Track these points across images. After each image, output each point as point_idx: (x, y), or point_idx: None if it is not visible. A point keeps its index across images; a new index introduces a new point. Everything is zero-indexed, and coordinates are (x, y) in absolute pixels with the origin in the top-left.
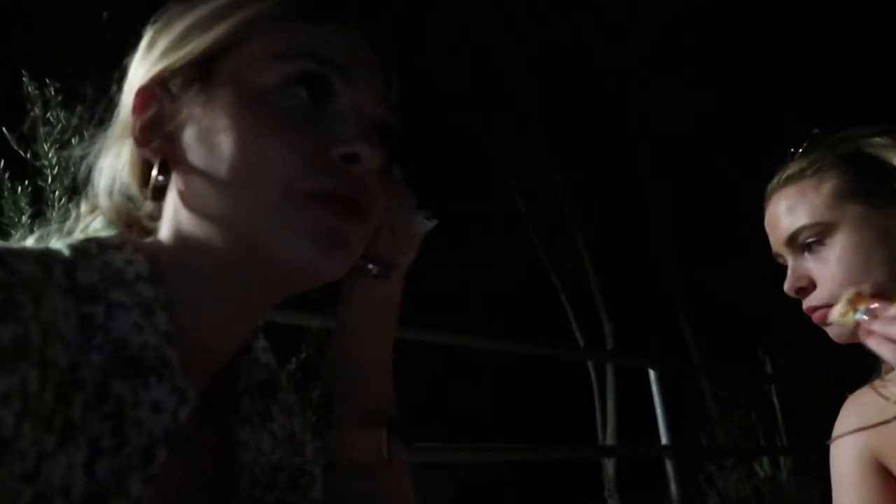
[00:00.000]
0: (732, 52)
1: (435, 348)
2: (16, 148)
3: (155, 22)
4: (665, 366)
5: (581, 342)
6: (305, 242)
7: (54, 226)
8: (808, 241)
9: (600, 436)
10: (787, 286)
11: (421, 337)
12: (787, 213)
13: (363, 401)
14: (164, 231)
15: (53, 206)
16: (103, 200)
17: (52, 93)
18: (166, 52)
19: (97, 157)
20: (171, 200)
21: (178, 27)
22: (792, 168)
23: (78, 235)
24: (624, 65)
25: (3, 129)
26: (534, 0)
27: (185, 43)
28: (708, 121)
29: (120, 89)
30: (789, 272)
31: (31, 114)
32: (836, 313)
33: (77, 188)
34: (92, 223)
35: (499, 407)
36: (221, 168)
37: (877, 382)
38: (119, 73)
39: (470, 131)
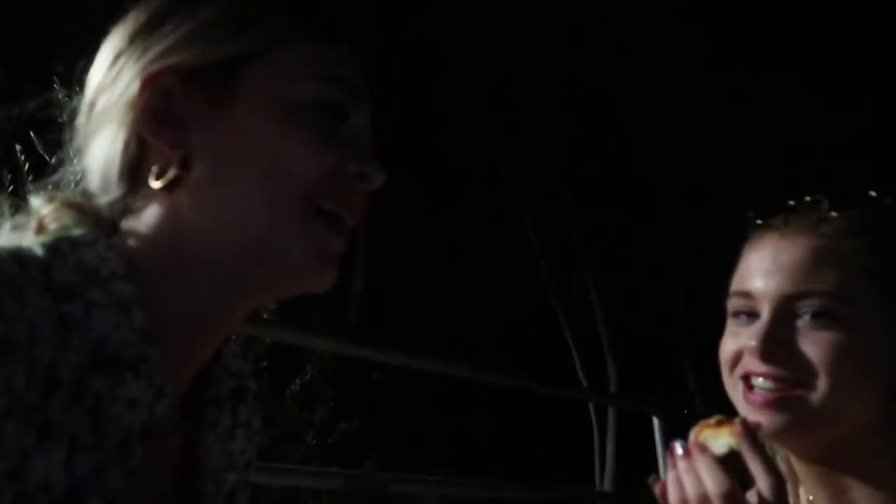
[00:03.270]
0: (760, 97)
1: (439, 379)
2: (42, 153)
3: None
4: (669, 413)
5: (584, 383)
6: (309, 256)
7: (10, 222)
8: (814, 312)
9: (597, 479)
10: (759, 343)
11: (424, 366)
12: (812, 265)
13: None
14: (150, 227)
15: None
16: (98, 188)
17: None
18: (185, 42)
19: (86, 140)
20: (174, 196)
21: (202, 16)
22: (832, 220)
23: (50, 232)
24: (641, 105)
25: (32, 133)
26: (556, 39)
27: (211, 39)
28: (728, 168)
29: (102, 61)
30: (767, 328)
31: (60, 120)
32: (723, 441)
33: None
34: (60, 219)
35: (497, 441)
36: (246, 171)
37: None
38: (99, 40)
39: (488, 166)
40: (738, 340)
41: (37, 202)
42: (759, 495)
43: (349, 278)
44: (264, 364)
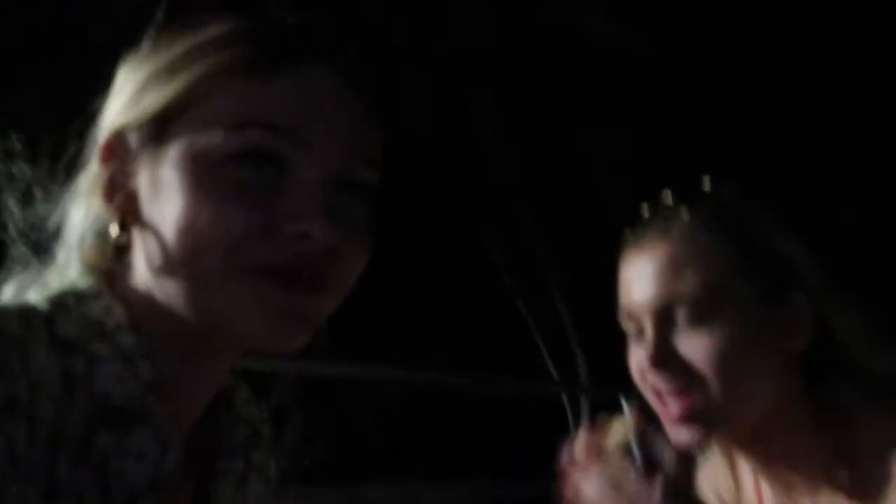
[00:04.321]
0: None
1: (407, 388)
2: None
3: (126, 63)
4: (639, 396)
5: (555, 376)
6: (254, 318)
7: (30, 278)
8: (687, 315)
9: None
10: (650, 360)
11: (396, 376)
12: (671, 270)
13: None
14: (135, 281)
15: (18, 262)
16: (75, 253)
17: (17, 146)
18: (126, 106)
19: (66, 211)
20: (137, 255)
21: (139, 76)
22: (682, 221)
23: (54, 288)
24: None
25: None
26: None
27: (143, 97)
28: (682, 161)
29: (84, 138)
30: (652, 345)
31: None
32: (618, 431)
33: (42, 244)
34: (68, 272)
35: (475, 445)
36: (170, 234)
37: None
38: (84, 120)
39: (440, 173)
40: (637, 358)
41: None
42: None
43: None
44: None
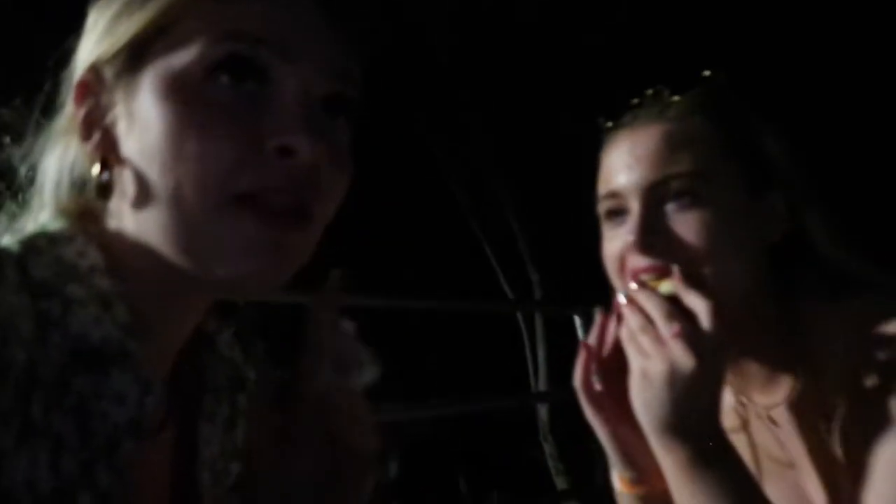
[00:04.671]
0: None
1: (367, 313)
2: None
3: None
4: (588, 310)
5: (510, 294)
6: (237, 256)
7: (3, 223)
8: (679, 192)
9: (533, 384)
10: (637, 238)
11: (349, 302)
12: (666, 150)
13: None
14: (115, 223)
15: None
16: (50, 197)
17: None
18: (100, 39)
19: (42, 153)
20: (117, 195)
21: (112, 9)
22: (676, 104)
23: (27, 231)
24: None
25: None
26: None
27: (117, 28)
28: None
29: (61, 77)
30: (641, 221)
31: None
32: (665, 286)
33: (15, 186)
34: (40, 217)
35: (433, 364)
36: (151, 166)
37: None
38: (59, 59)
39: (393, 93)
40: (617, 241)
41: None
42: (698, 328)
43: None
44: None
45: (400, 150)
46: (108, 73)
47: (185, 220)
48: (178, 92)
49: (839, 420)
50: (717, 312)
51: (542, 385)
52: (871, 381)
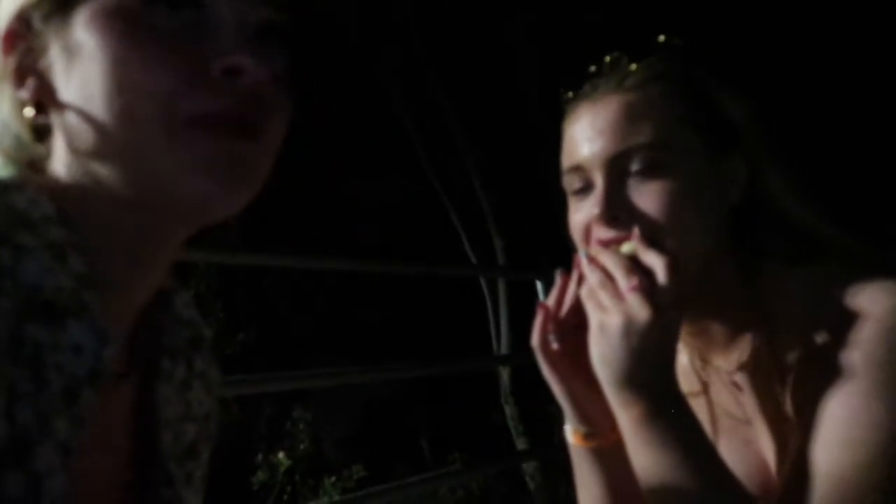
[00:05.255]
0: None
1: (327, 273)
2: None
3: None
4: (550, 275)
5: (473, 260)
6: (196, 175)
7: None
8: (641, 165)
9: (495, 347)
10: (601, 211)
11: (313, 265)
12: (626, 121)
13: None
14: (59, 171)
15: None
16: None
17: None
18: None
19: None
20: (58, 140)
21: None
22: (636, 73)
23: None
24: None
25: None
26: None
27: None
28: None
29: None
30: (604, 195)
31: None
32: (626, 246)
33: None
34: None
35: (396, 327)
36: (95, 101)
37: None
38: None
39: (357, 57)
40: (582, 213)
41: None
42: (655, 282)
43: None
44: None
45: (364, 107)
46: (36, 18)
47: (138, 150)
48: (117, 23)
49: (791, 380)
50: (674, 267)
51: (504, 349)
52: (822, 343)
